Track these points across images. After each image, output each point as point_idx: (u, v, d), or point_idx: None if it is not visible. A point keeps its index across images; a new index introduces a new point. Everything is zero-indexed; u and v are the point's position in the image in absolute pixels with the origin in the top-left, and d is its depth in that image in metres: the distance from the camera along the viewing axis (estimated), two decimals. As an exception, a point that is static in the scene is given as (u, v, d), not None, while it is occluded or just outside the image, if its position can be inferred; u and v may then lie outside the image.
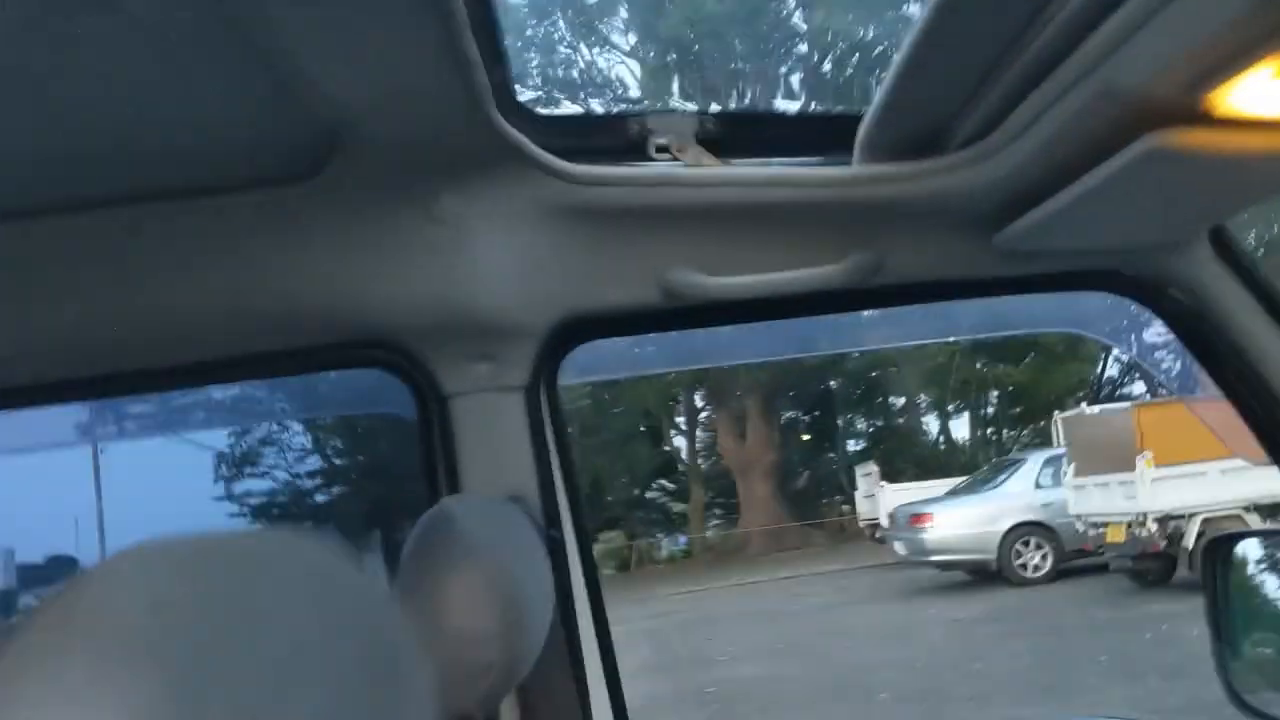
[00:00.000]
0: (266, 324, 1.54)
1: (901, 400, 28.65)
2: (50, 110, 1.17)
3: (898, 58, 1.32)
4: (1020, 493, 16.44)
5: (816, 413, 28.16)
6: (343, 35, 1.12)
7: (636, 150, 1.60)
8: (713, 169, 1.57)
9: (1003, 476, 17.24)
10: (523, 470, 1.62)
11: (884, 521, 19.69)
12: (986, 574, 15.79)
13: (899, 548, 17.20)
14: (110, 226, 1.41)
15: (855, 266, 1.60)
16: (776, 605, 16.94)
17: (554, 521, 1.62)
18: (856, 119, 1.52)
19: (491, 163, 1.47)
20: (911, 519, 16.63)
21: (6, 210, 1.36)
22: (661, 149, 1.58)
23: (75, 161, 1.31)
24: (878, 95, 1.45)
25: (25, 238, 1.39)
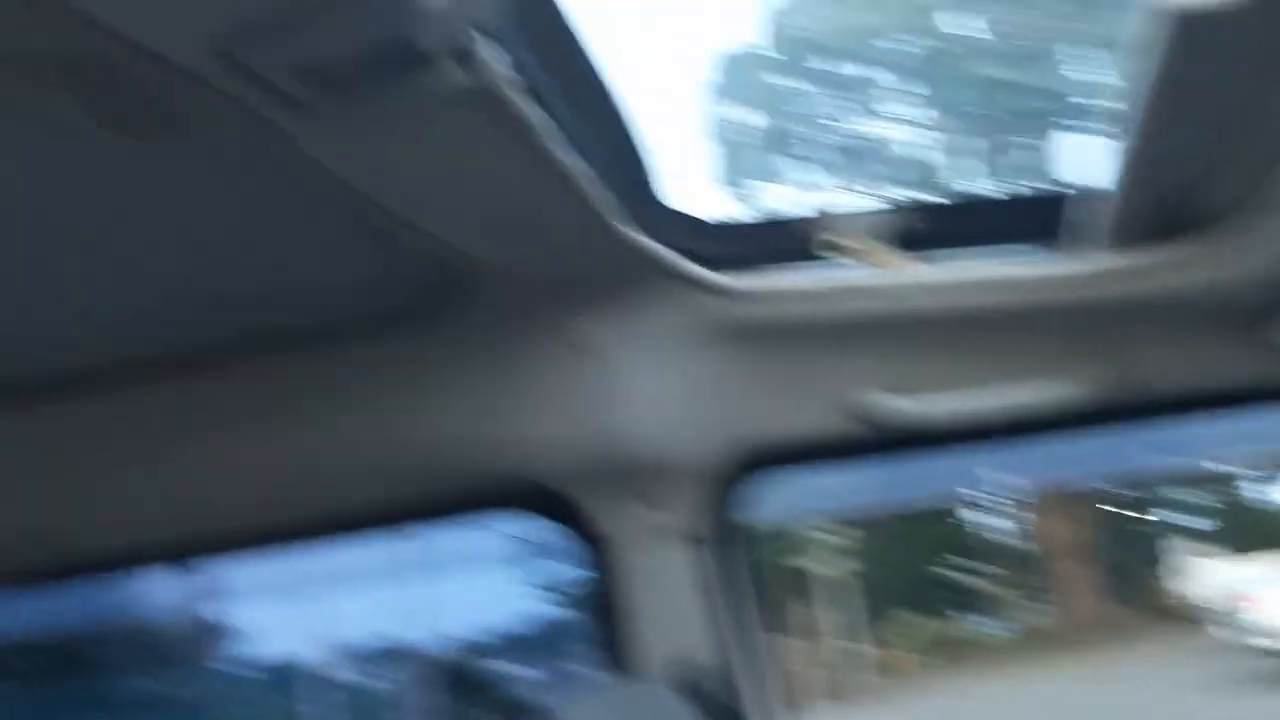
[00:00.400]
0: (406, 473, 1.40)
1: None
2: (172, 263, 1.11)
3: (1129, 127, 1.04)
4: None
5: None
6: (440, 167, 1.00)
7: (809, 254, 1.37)
8: (903, 272, 1.31)
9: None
10: (694, 630, 1.39)
11: (1206, 601, 17.60)
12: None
13: (1222, 631, 15.30)
14: (236, 380, 1.33)
15: (1092, 377, 1.29)
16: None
17: (731, 697, 1.37)
18: (1060, 200, 1.23)
19: (635, 280, 1.28)
20: (1234, 599, 14.79)
21: (132, 367, 1.30)
22: (839, 250, 1.35)
23: (198, 315, 1.24)
24: (1108, 171, 1.16)
25: (153, 396, 1.33)
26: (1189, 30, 0.88)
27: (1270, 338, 1.26)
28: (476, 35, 0.82)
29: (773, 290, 1.32)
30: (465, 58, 0.81)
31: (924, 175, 20.87)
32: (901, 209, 1.38)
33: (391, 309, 1.28)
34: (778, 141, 21.37)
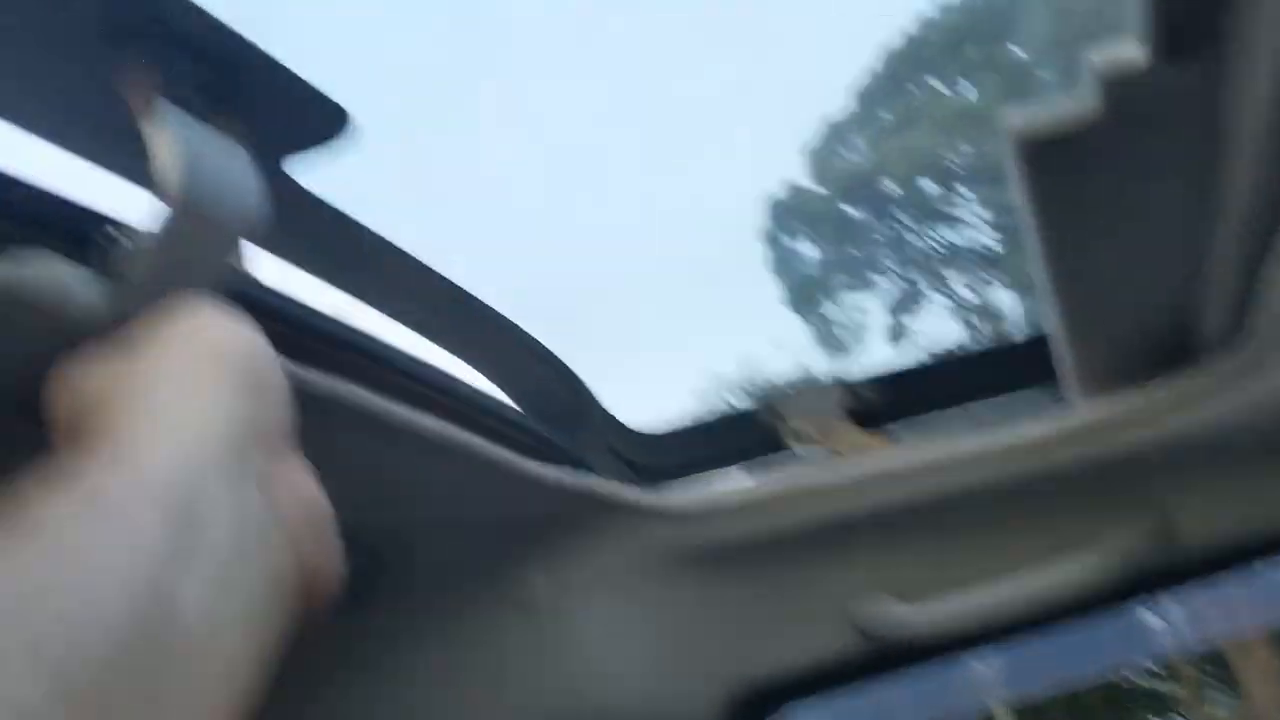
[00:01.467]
0: None
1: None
2: None
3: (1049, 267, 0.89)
4: None
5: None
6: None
7: (769, 448, 1.21)
8: (880, 457, 1.14)
9: None
10: None
11: None
12: None
13: None
14: None
15: (1122, 542, 1.09)
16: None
17: None
18: (1042, 342, 1.06)
19: (574, 520, 1.13)
20: None
21: None
22: (800, 439, 1.18)
23: None
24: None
25: None
26: (1043, 156, 0.74)
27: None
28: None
29: (737, 502, 1.15)
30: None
31: (1002, 270, 20.57)
32: (870, 381, 1.22)
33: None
34: (844, 267, 21.37)
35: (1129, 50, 0.73)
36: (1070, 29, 17.04)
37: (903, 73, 20.35)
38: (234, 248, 0.66)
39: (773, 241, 21.10)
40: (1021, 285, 19.96)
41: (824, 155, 20.74)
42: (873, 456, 1.15)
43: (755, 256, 21.01)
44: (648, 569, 1.16)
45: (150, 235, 0.60)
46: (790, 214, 20.82)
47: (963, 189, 20.71)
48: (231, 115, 0.67)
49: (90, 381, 0.54)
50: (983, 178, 20.14)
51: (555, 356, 1.20)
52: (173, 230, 0.60)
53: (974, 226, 21.40)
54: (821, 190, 20.65)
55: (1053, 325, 1.01)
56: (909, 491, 1.11)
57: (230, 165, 0.65)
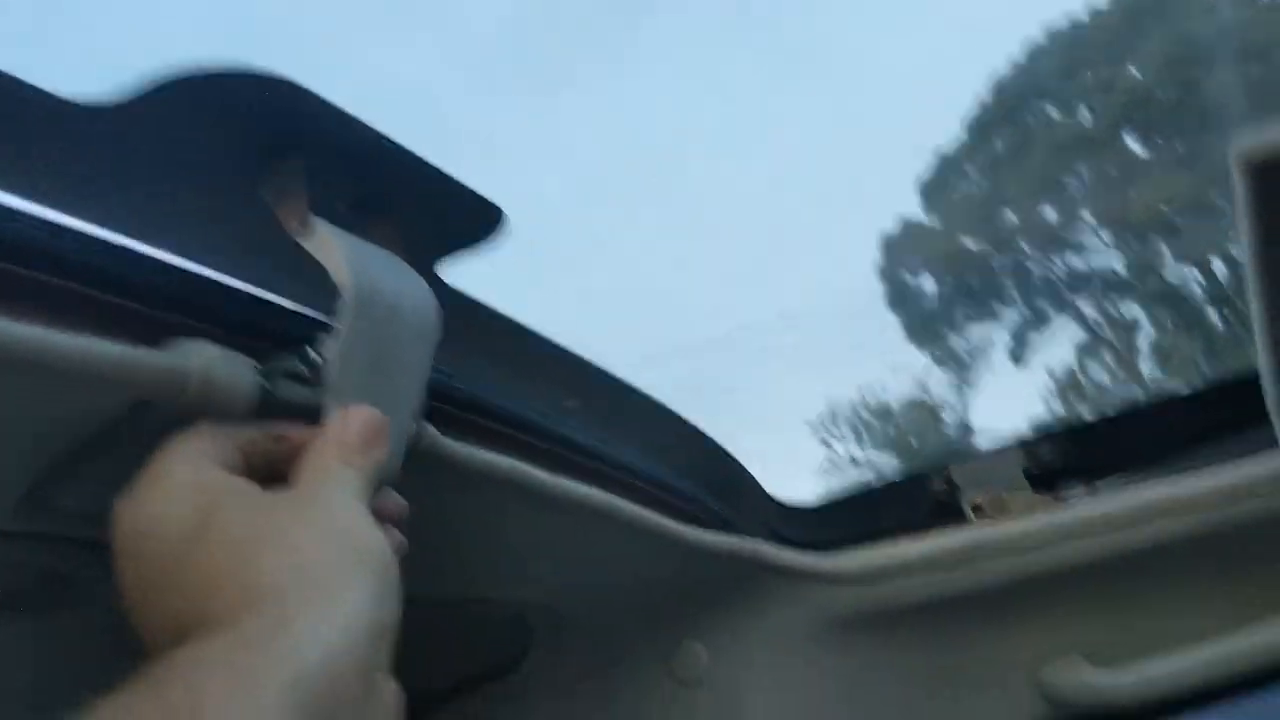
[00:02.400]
0: None
1: None
2: None
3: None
4: None
5: None
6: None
7: (940, 516, 1.14)
8: (1056, 515, 1.06)
9: None
10: None
11: None
12: None
13: None
14: None
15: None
16: None
17: None
18: (1241, 385, 0.97)
19: (731, 587, 1.08)
20: None
21: None
22: (963, 513, 1.11)
23: None
24: None
25: None
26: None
27: None
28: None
29: (910, 562, 1.09)
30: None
31: (1130, 295, 19.90)
32: (1035, 441, 1.14)
33: (463, 682, 1.12)
34: (966, 299, 20.93)
35: None
36: (1184, 50, 16.53)
37: (1014, 101, 19.96)
38: (415, 353, 0.65)
39: (890, 278, 20.80)
40: (1151, 305, 19.25)
41: (937, 188, 20.42)
42: (1046, 517, 1.07)
43: (875, 297, 20.76)
44: (815, 637, 1.10)
45: (334, 343, 0.59)
46: (905, 249, 20.52)
47: (1084, 213, 20.13)
48: (386, 222, 0.66)
49: (241, 515, 0.50)
50: (1102, 201, 19.56)
51: (705, 433, 1.16)
52: (352, 339, 0.59)
53: (1097, 251, 20.75)
54: (937, 224, 20.31)
55: (1265, 361, 0.93)
56: (1100, 545, 1.03)
57: (394, 273, 0.63)
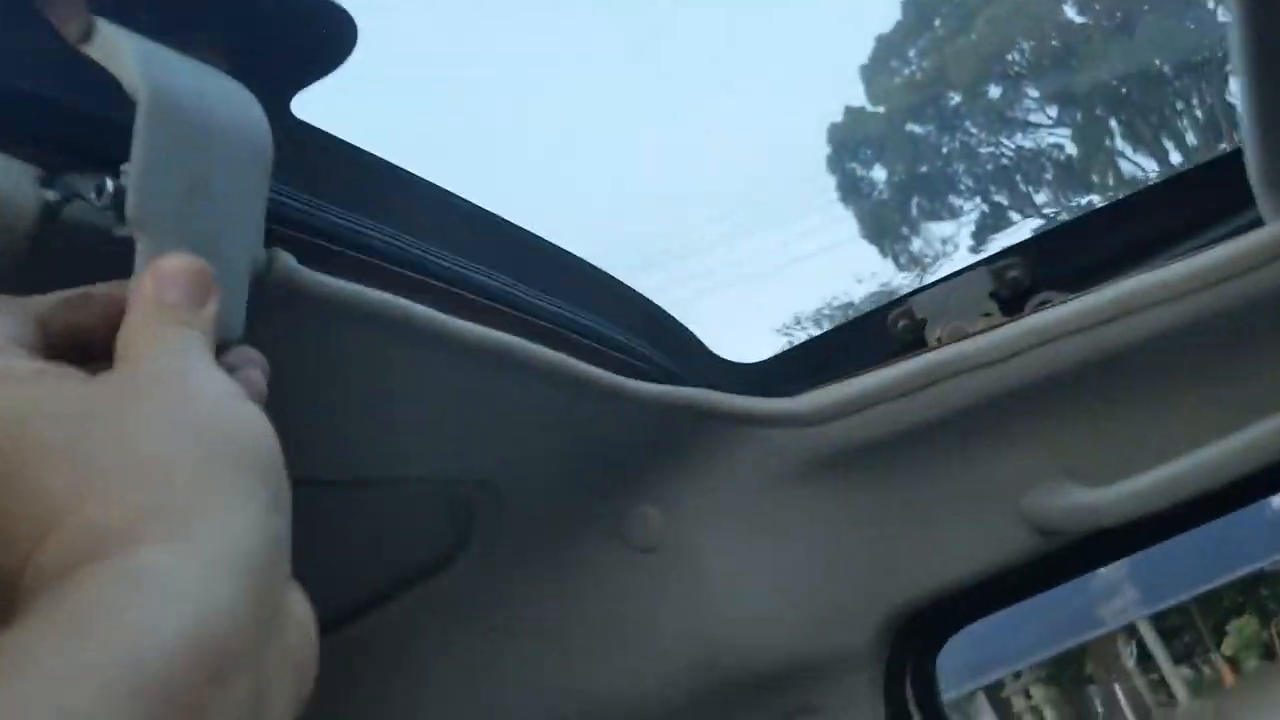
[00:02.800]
0: None
1: None
2: None
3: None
4: None
5: None
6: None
7: (910, 346, 1.04)
8: (1023, 321, 0.96)
9: None
10: None
11: None
12: None
13: None
14: None
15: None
16: None
17: None
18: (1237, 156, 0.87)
19: (689, 439, 0.98)
20: None
21: None
22: (949, 338, 1.01)
23: None
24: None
25: None
26: None
27: None
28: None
29: (872, 394, 0.98)
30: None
31: (1074, 170, 19.91)
32: (1002, 258, 1.03)
33: (416, 568, 1.02)
34: (916, 188, 20.88)
35: None
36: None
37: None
38: (246, 178, 0.53)
39: (840, 169, 20.66)
40: (1105, 191, 19.29)
41: (877, 73, 20.18)
42: (1028, 317, 0.97)
43: (824, 188, 20.63)
44: (775, 487, 1.00)
45: (132, 164, 0.47)
46: (852, 138, 20.35)
47: (1029, 89, 20.01)
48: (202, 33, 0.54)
49: (60, 417, 0.36)
50: (1046, 75, 19.44)
51: (632, 288, 1.05)
52: (154, 158, 0.47)
53: (1045, 128, 20.70)
54: (880, 110, 20.11)
55: (1251, 131, 0.83)
56: (1075, 348, 0.93)
57: (204, 81, 0.52)
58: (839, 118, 20.34)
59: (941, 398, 0.96)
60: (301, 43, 0.61)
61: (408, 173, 0.79)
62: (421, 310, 0.68)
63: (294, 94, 0.64)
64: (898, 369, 0.96)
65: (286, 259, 0.58)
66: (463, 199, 0.86)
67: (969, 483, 0.99)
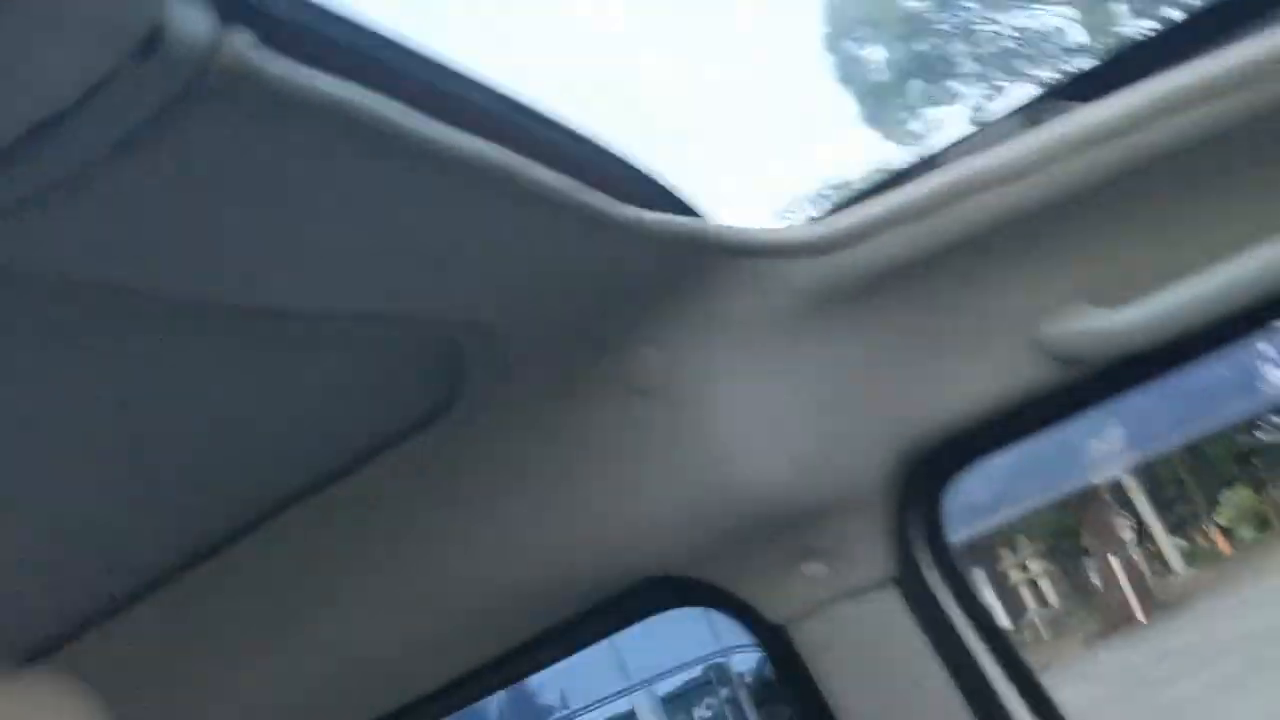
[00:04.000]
0: (508, 596, 1.08)
1: None
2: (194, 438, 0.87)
3: None
4: None
5: None
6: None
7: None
8: (1035, 134, 0.90)
9: None
10: (928, 702, 1.02)
11: None
12: None
13: None
14: (289, 540, 1.05)
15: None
16: None
17: None
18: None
19: (696, 279, 0.94)
20: None
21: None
22: None
23: (238, 492, 0.98)
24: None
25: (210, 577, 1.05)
26: None
27: None
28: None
29: (879, 219, 0.93)
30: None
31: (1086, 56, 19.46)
32: (1038, 103, 0.95)
33: (410, 420, 0.98)
34: (914, 67, 20.41)
35: None
36: None
37: None
38: None
39: (835, 48, 20.17)
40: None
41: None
42: (1047, 126, 0.91)
43: (822, 67, 20.21)
44: (782, 322, 0.95)
45: None
46: (847, 15, 19.82)
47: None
48: None
49: None
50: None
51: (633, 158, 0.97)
52: None
53: (1046, 4, 20.15)
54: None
55: None
56: (1089, 163, 0.87)
57: None
58: (835, -5, 19.80)
59: (952, 221, 0.91)
60: None
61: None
62: (399, 110, 0.61)
63: None
64: (911, 189, 0.91)
65: (243, 38, 0.52)
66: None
67: (985, 311, 0.94)
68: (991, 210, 0.89)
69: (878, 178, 1.09)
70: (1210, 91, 0.83)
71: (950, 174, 0.90)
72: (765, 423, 0.97)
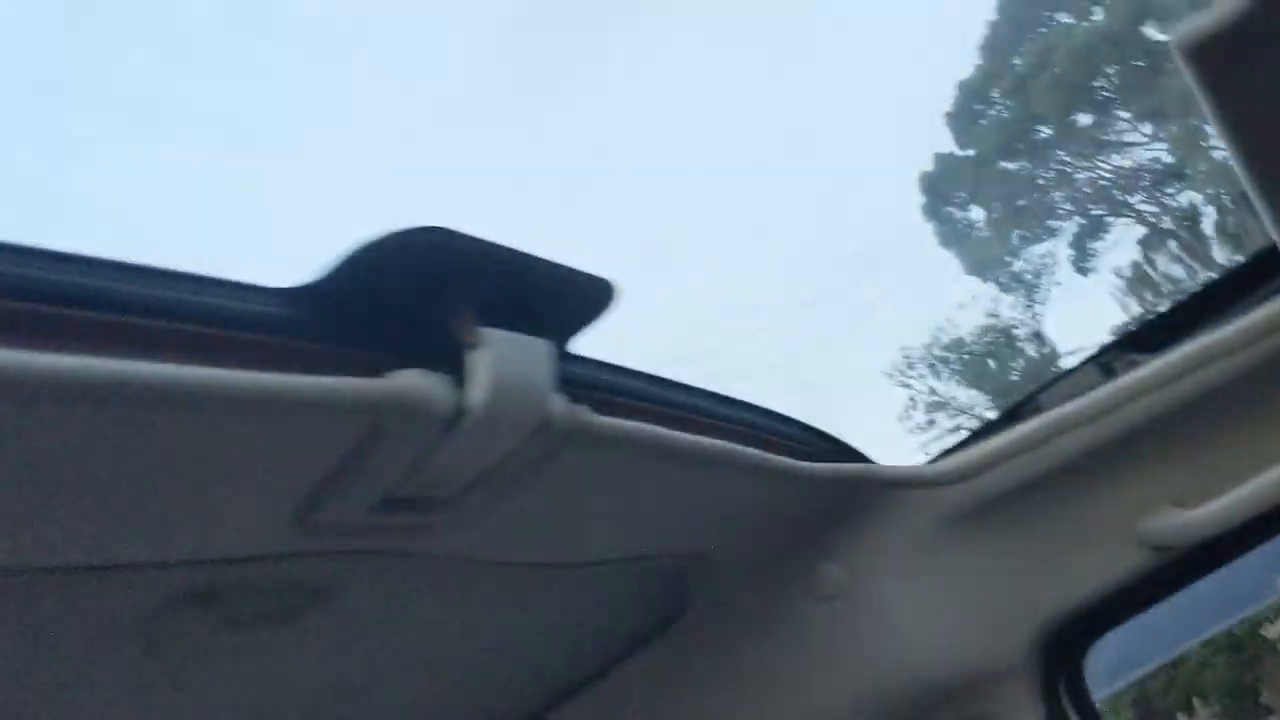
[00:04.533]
0: None
1: None
2: None
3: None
4: None
5: None
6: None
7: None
8: (1116, 382, 1.19)
9: None
10: None
11: None
12: None
13: None
14: None
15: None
16: None
17: None
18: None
19: (858, 503, 1.23)
20: None
21: None
22: None
23: None
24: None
25: None
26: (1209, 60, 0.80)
27: None
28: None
29: (999, 452, 1.22)
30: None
31: (1182, 179, 19.51)
32: (1110, 349, 1.26)
33: (637, 637, 1.27)
34: (1018, 223, 20.67)
35: None
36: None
37: (1024, 14, 19.69)
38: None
39: (935, 214, 20.66)
40: (1208, 185, 18.84)
41: (965, 118, 20.23)
42: (1121, 378, 1.20)
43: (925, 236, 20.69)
44: (933, 536, 1.24)
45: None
46: (945, 183, 20.35)
47: (1119, 111, 19.82)
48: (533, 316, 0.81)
49: None
50: (1134, 95, 19.20)
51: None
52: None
53: (1140, 145, 20.38)
54: (970, 153, 20.14)
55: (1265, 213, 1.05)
56: (1164, 400, 1.16)
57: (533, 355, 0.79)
58: (929, 165, 20.43)
59: (1056, 450, 1.19)
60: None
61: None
62: (672, 435, 0.94)
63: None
64: (1016, 431, 1.20)
65: (583, 409, 0.85)
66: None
67: (1090, 514, 1.22)
68: (1084, 441, 1.18)
69: (988, 420, 1.39)
70: (1238, 345, 1.12)
71: (1047, 417, 1.20)
72: (926, 616, 1.24)
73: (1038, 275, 20.89)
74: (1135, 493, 1.20)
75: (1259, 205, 1.00)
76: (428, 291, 0.74)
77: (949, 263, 20.94)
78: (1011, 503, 1.23)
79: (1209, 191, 18.98)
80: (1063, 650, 1.27)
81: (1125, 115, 19.90)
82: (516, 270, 0.79)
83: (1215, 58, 0.82)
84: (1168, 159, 19.89)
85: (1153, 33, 18.73)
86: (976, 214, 20.80)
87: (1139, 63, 18.80)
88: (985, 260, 20.53)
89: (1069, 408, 1.20)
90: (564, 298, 0.85)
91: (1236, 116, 0.91)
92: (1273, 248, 1.12)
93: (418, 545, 0.87)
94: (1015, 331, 20.81)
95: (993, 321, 20.59)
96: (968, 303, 20.33)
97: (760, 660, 1.28)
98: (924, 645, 1.25)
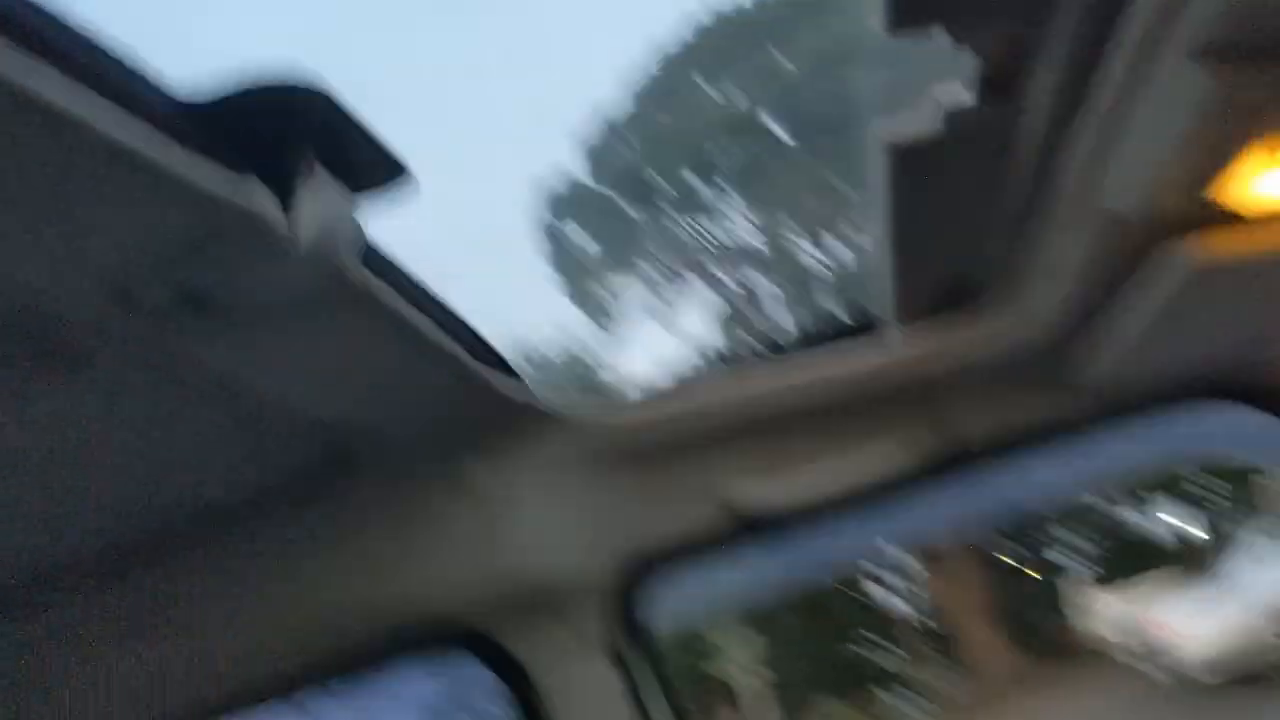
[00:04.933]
0: (322, 633, 1.49)
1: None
2: (77, 480, 1.17)
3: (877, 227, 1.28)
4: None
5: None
6: (313, 361, 1.12)
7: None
8: (747, 379, 1.51)
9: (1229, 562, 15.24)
10: None
11: (1112, 634, 17.85)
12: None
13: (1133, 660, 15.44)
14: (145, 584, 1.39)
15: (917, 442, 1.50)
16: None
17: None
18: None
19: (508, 424, 1.43)
20: (1138, 627, 15.01)
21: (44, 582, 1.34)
22: None
23: (100, 527, 1.30)
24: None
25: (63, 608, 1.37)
26: (905, 158, 1.12)
27: (1068, 379, 1.48)
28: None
29: (631, 409, 1.49)
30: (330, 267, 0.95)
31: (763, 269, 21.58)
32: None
33: (282, 490, 1.38)
34: (614, 254, 21.90)
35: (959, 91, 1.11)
36: (833, 46, 18.20)
37: (677, 75, 21.01)
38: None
39: (549, 231, 21.44)
40: (784, 280, 20.99)
41: (603, 154, 21.22)
42: (742, 382, 1.51)
43: (529, 240, 21.38)
44: (564, 464, 1.49)
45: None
46: (567, 206, 21.21)
47: (727, 187, 21.63)
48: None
49: None
50: (746, 179, 21.04)
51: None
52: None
53: (737, 224, 22.29)
54: (599, 187, 21.14)
55: (882, 273, 1.39)
56: (764, 400, 1.49)
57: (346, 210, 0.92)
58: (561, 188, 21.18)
59: (673, 421, 1.51)
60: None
61: None
62: (412, 310, 1.08)
63: None
64: (657, 399, 1.48)
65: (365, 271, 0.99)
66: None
67: (687, 478, 1.52)
68: (698, 418, 1.48)
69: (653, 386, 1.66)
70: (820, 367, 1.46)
71: (681, 393, 1.49)
72: (544, 526, 1.50)
73: (621, 315, 22.32)
74: (728, 464, 1.51)
75: (884, 278, 1.35)
76: (284, 137, 0.85)
77: (549, 279, 21.80)
78: (632, 454, 1.49)
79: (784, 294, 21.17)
80: (642, 578, 1.55)
81: (734, 195, 21.79)
82: (356, 136, 0.91)
83: (909, 157, 1.13)
84: (760, 249, 21.98)
85: (777, 129, 20.68)
86: (581, 238, 21.81)
87: (760, 153, 20.69)
88: (577, 282, 21.59)
89: (702, 393, 1.49)
90: (373, 165, 0.98)
91: (905, 209, 1.24)
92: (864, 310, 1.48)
93: (195, 350, 0.95)
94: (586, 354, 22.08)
95: (578, 352, 21.71)
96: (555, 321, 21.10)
97: (399, 535, 1.45)
98: (536, 552, 1.47)
